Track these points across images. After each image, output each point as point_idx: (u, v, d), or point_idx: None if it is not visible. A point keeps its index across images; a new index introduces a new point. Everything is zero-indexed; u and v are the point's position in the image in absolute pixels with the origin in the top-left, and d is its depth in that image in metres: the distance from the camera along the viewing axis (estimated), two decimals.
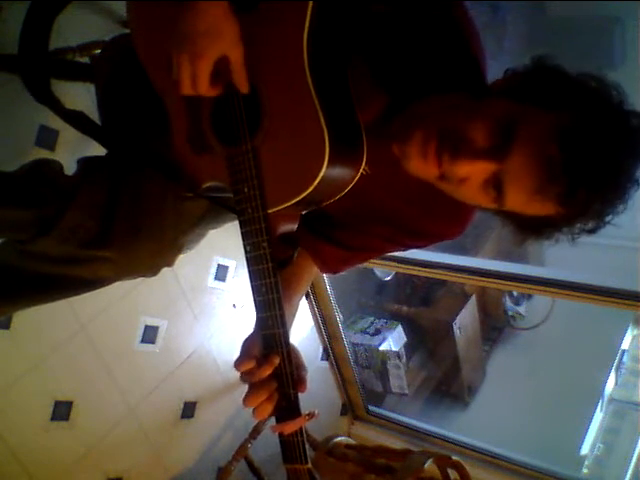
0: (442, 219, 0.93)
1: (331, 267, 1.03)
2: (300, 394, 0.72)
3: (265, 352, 0.73)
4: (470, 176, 0.71)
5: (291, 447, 0.72)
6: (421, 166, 0.74)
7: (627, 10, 2.89)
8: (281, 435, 0.72)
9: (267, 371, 0.70)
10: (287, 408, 0.71)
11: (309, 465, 0.71)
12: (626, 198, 0.69)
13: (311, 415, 0.72)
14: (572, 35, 3.08)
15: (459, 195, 0.77)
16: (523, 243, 0.79)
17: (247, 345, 0.78)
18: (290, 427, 0.71)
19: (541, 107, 0.70)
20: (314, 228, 1.00)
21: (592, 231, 0.72)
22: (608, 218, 0.70)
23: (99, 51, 1.31)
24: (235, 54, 0.71)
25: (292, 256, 0.99)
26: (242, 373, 0.73)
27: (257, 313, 0.73)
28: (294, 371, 0.72)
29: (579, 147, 0.65)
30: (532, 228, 0.76)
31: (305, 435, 0.72)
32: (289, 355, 0.72)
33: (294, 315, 0.95)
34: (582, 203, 0.67)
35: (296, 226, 0.95)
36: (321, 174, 0.68)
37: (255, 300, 0.73)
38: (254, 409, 0.71)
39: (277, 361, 0.71)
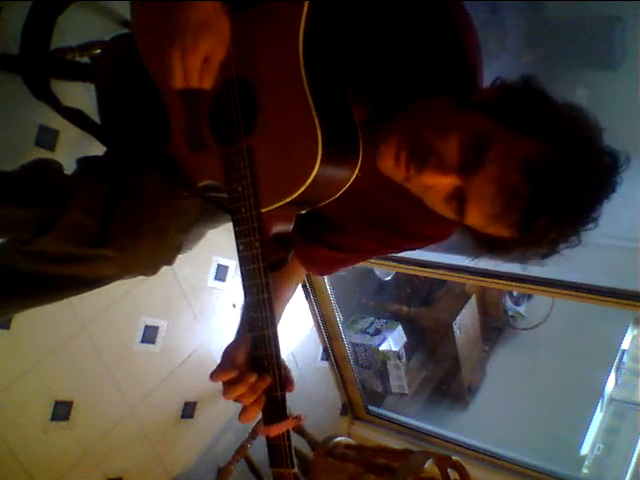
0: (433, 220, 0.92)
1: (319, 268, 1.03)
2: (297, 394, 0.72)
3: (253, 353, 0.72)
4: (434, 186, 0.72)
5: (277, 451, 0.70)
6: (391, 167, 0.74)
7: (627, 10, 2.89)
8: (268, 438, 0.71)
9: (252, 379, 0.69)
10: (274, 410, 0.70)
11: (295, 470, 0.70)
12: (581, 235, 0.71)
13: (298, 418, 0.71)
14: (572, 35, 3.08)
15: (425, 200, 0.77)
16: (479, 257, 0.79)
17: (229, 353, 0.76)
18: (276, 430, 0.69)
19: (516, 132, 0.69)
20: (304, 229, 0.99)
21: (544, 257, 0.74)
22: (561, 248, 0.72)
23: (99, 51, 1.31)
24: (217, 52, 0.72)
25: (287, 258, 0.99)
26: (223, 383, 0.71)
27: (247, 313, 0.73)
28: (282, 373, 0.70)
29: (545, 181, 0.65)
30: (487, 245, 0.76)
31: (291, 439, 0.70)
32: (278, 357, 0.70)
33: (280, 317, 0.95)
34: (539, 233, 0.69)
35: (291, 227, 0.95)
36: (313, 173, 0.68)
37: (245, 300, 0.73)
38: (240, 413, 0.70)
39: (268, 383, 0.70)
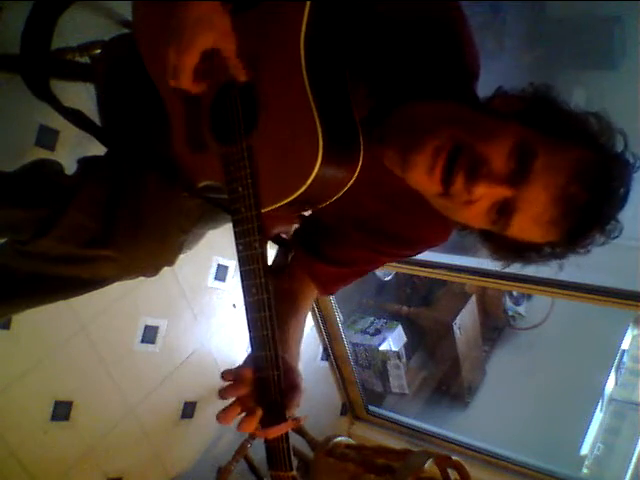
0: (426, 226, 0.92)
1: (328, 288, 1.00)
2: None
3: (255, 354, 0.71)
4: (481, 199, 0.70)
5: (276, 453, 0.69)
6: (423, 180, 0.72)
7: (627, 10, 2.89)
8: (266, 440, 0.69)
9: (242, 391, 0.67)
10: (273, 413, 0.68)
11: (294, 472, 0.69)
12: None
13: (297, 420, 0.69)
14: (572, 35, 3.09)
15: (456, 213, 0.75)
16: (505, 265, 0.79)
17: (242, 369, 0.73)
18: (273, 432, 0.67)
19: (558, 138, 0.69)
20: (308, 246, 0.97)
21: (561, 257, 0.75)
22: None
23: (99, 51, 1.31)
24: (226, 44, 0.71)
25: (286, 261, 0.98)
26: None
27: (247, 314, 0.71)
28: (281, 375, 0.69)
29: (599, 190, 0.67)
30: (517, 252, 0.76)
31: (290, 441, 0.69)
32: (276, 358, 0.69)
33: (302, 331, 0.92)
34: (588, 239, 0.71)
35: (292, 228, 0.95)
36: (314, 173, 0.67)
37: (246, 301, 0.72)
38: (239, 423, 0.68)
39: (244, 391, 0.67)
